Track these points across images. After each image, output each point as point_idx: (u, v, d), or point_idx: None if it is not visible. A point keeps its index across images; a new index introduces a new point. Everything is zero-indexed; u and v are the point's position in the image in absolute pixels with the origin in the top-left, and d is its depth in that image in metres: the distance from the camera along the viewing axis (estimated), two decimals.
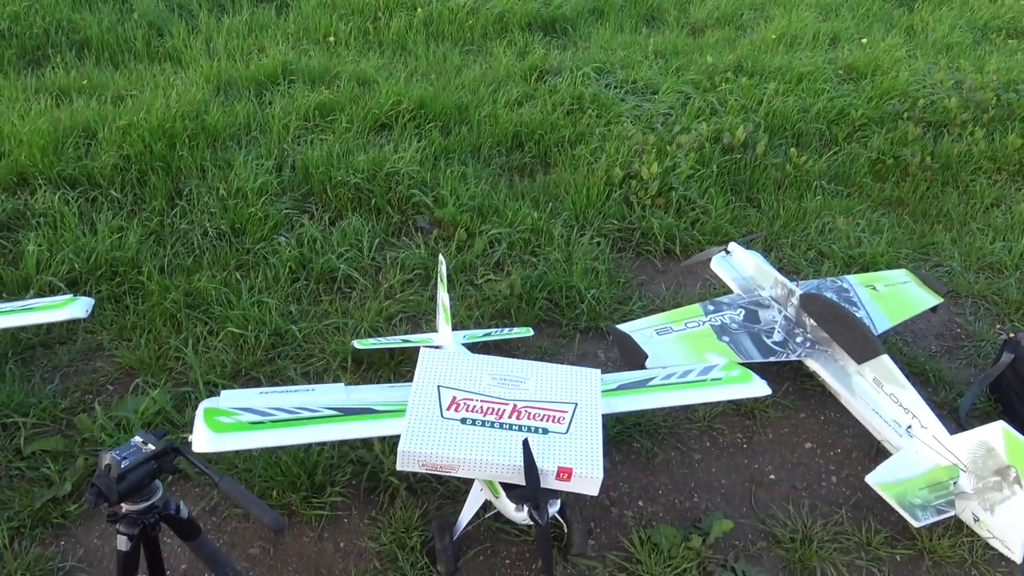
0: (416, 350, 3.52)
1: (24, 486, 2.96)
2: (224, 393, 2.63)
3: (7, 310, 3.20)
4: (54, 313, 3.25)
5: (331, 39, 6.90)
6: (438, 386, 2.78)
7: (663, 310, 3.88)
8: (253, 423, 2.57)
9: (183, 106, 5.35)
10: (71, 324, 3.77)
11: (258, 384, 3.51)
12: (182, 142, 5.00)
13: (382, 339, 3.67)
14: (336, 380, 3.54)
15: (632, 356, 3.35)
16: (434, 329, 3.83)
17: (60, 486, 2.95)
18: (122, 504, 2.00)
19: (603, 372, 2.90)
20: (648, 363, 3.29)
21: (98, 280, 4.01)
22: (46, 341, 3.70)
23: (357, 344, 3.61)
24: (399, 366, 3.61)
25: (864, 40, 7.45)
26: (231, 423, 2.54)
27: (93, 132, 5.09)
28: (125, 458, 1.95)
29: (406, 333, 3.85)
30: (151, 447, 2.00)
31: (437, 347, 3.45)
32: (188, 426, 3.20)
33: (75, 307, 3.26)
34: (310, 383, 3.52)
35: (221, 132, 5.24)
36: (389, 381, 3.54)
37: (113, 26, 6.85)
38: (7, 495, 2.93)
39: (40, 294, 3.85)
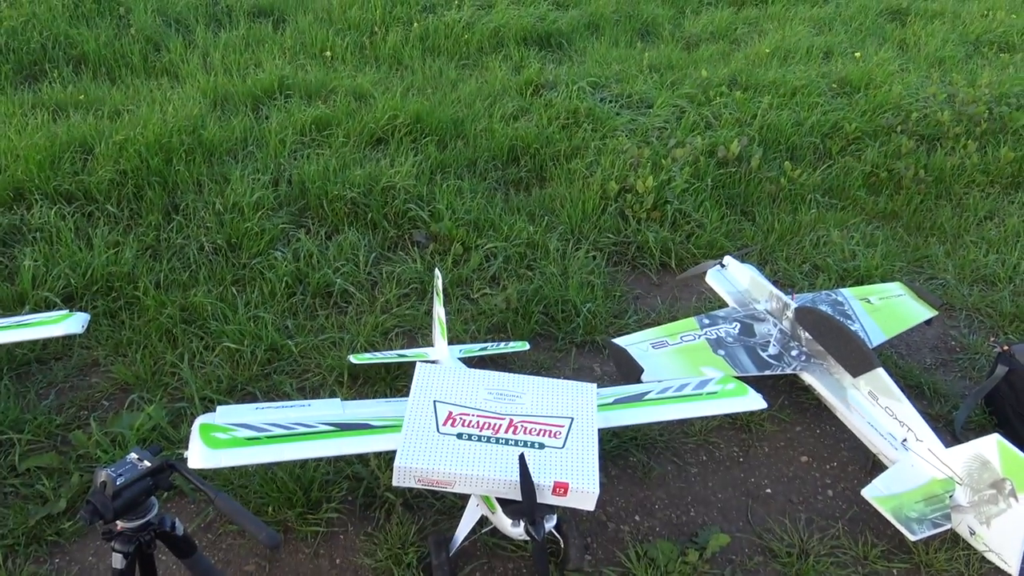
0: (412, 365, 3.53)
1: (18, 503, 2.95)
2: (220, 409, 2.63)
3: (2, 326, 3.20)
4: (50, 329, 3.24)
5: (328, 54, 6.93)
6: (434, 401, 2.78)
7: (659, 324, 3.89)
8: (249, 439, 2.57)
9: (180, 121, 5.37)
10: (67, 340, 3.77)
11: (254, 399, 3.51)
12: (179, 157, 5.02)
13: (378, 354, 3.67)
14: (332, 395, 3.54)
15: (628, 370, 3.36)
16: (430, 343, 3.83)
17: (55, 503, 2.94)
18: (117, 521, 2.00)
19: (599, 386, 2.90)
20: (644, 377, 3.29)
21: (94, 295, 4.01)
22: (41, 357, 3.70)
23: (353, 359, 3.61)
24: (395, 381, 3.61)
25: (857, 54, 7.52)
26: (227, 439, 2.54)
27: (90, 147, 5.10)
28: (120, 475, 1.95)
29: (402, 348, 3.85)
30: (147, 464, 2.00)
31: (433, 362, 3.46)
32: (184, 442, 3.20)
33: (71, 322, 3.26)
34: (306, 398, 3.52)
35: (218, 147, 5.25)
36: (385, 396, 3.53)
37: (110, 41, 6.88)
38: (1, 512, 2.92)
39: (36, 309, 3.85)
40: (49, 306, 3.88)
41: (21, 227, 4.42)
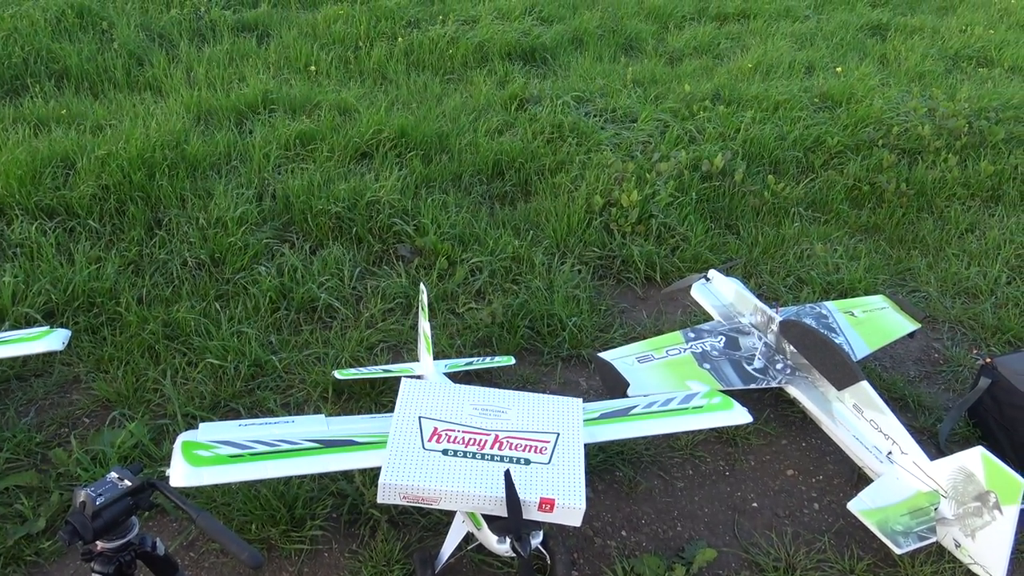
0: (398, 380, 3.51)
1: None
2: (202, 426, 2.61)
3: None
4: (30, 345, 3.21)
5: (312, 68, 6.93)
6: (419, 417, 2.77)
7: (644, 338, 3.90)
8: (232, 456, 2.54)
9: (163, 136, 5.34)
10: (47, 356, 3.72)
11: (237, 416, 3.47)
12: (162, 172, 4.99)
13: (363, 369, 3.65)
14: (317, 411, 3.51)
15: (614, 384, 3.36)
16: (416, 358, 3.81)
17: (34, 522, 2.89)
18: (97, 542, 1.97)
19: (585, 401, 2.90)
20: (630, 391, 3.29)
21: (75, 311, 3.96)
22: (21, 374, 3.65)
23: (338, 374, 3.59)
24: (380, 396, 3.58)
25: (839, 69, 7.60)
26: (210, 456, 2.51)
27: (72, 162, 5.06)
28: (100, 495, 1.93)
29: (387, 363, 3.83)
30: (127, 483, 1.98)
31: (418, 377, 3.44)
32: (166, 459, 3.16)
33: (52, 339, 3.23)
34: (290, 414, 3.49)
35: (201, 161, 5.23)
36: (370, 412, 3.51)
37: (93, 56, 6.85)
38: None
39: (16, 326, 3.80)
40: (30, 322, 3.83)
41: (1, 242, 4.37)
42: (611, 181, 5.17)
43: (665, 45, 8.25)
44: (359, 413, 3.49)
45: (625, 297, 4.52)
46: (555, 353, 4.00)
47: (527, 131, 5.93)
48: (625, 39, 8.24)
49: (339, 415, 3.33)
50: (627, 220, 4.84)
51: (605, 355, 3.49)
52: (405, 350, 3.94)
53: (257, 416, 3.48)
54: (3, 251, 4.33)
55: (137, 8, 8.03)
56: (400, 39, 7.52)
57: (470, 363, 3.69)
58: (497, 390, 2.90)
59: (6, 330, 3.70)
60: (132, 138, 5.22)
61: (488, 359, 3.77)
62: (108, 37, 7.27)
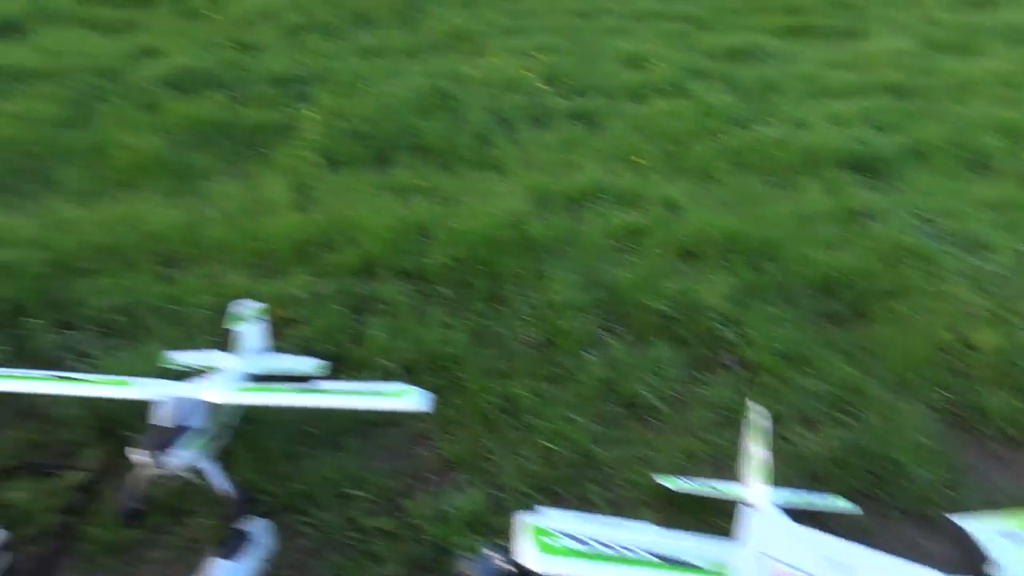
0: (725, 502, 3.44)
1: (358, 558, 3.25)
2: (542, 511, 2.76)
3: (359, 391, 3.63)
4: (398, 402, 3.59)
5: (641, 161, 7.17)
6: (762, 554, 2.69)
7: (1004, 507, 3.44)
8: (577, 552, 2.65)
9: (506, 215, 5.82)
10: None
11: (563, 501, 3.59)
12: (504, 250, 5.42)
13: (688, 480, 3.62)
14: (640, 515, 3.51)
15: (969, 556, 3.00)
16: (739, 479, 3.69)
17: (388, 565, 3.20)
18: None
19: (938, 571, 2.62)
20: (994, 571, 2.92)
21: (424, 371, 4.38)
22: (378, 420, 4.09)
23: (662, 481, 3.59)
24: (705, 513, 3.51)
25: None
26: (558, 547, 2.64)
27: (428, 231, 5.68)
28: (480, 571, 2.16)
29: (709, 477, 3.75)
30: (501, 565, 2.18)
31: (751, 505, 3.31)
32: (500, 532, 3.33)
33: (419, 399, 3.58)
34: (614, 512, 3.53)
35: (538, 243, 5.60)
36: (696, 529, 3.44)
37: (446, 133, 7.71)
38: (344, 563, 3.23)
39: (381, 378, 4.27)
40: (391, 376, 4.28)
41: (370, 298, 5.00)
42: (961, 317, 4.71)
43: (1020, 161, 7.44)
44: (684, 527, 3.44)
45: (979, 454, 4.01)
46: (893, 504, 3.66)
47: (862, 248, 5.62)
48: (971, 153, 7.56)
49: (665, 527, 3.32)
50: (982, 364, 4.35)
51: (960, 520, 3.14)
52: (728, 467, 3.83)
53: (584, 507, 3.56)
54: (371, 306, 4.94)
55: (484, 92, 8.96)
56: (725, 136, 7.57)
57: (811, 502, 3.47)
58: (849, 543, 2.73)
59: (369, 380, 4.19)
60: (480, 215, 5.76)
61: (830, 499, 3.51)
62: (459, 117, 8.16)
